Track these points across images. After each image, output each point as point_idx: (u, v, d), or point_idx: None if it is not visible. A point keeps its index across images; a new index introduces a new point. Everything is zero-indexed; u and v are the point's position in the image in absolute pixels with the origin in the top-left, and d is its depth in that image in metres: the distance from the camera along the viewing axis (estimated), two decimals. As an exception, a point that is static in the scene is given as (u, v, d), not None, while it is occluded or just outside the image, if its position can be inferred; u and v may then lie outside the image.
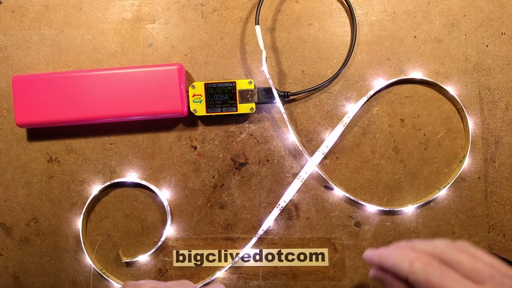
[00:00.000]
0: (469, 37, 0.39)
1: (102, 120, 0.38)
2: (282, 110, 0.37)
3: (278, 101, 0.37)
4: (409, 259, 0.24)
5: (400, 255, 0.24)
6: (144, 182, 0.39)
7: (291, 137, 0.39)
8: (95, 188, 0.39)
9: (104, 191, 0.40)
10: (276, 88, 0.38)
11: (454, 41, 0.39)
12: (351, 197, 0.38)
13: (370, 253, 0.28)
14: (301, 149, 0.38)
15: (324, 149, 0.39)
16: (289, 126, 0.37)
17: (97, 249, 0.40)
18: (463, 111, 0.38)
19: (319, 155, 0.39)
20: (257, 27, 0.37)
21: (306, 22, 0.40)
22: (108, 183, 0.39)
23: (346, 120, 0.39)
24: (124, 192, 0.40)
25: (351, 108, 0.39)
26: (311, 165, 0.38)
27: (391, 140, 0.39)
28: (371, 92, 0.39)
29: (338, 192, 0.39)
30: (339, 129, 0.39)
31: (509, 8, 0.39)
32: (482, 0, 0.39)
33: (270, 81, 0.37)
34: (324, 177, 0.38)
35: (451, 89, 0.38)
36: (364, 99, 0.39)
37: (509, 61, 0.39)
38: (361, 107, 0.39)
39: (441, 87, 0.38)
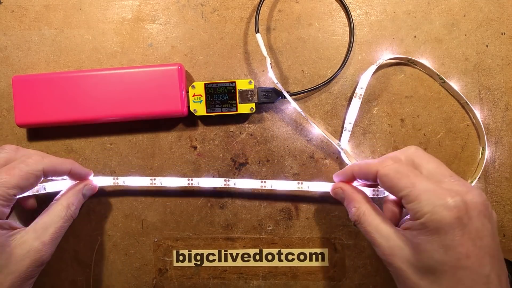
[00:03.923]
0: (469, 37, 0.39)
1: (102, 120, 0.38)
2: (299, 109, 0.37)
3: (292, 103, 0.37)
4: (380, 161, 0.30)
5: (372, 161, 0.30)
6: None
7: (316, 130, 0.38)
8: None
9: (104, 191, 0.40)
10: (277, 88, 0.38)
11: (454, 41, 0.39)
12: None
13: (344, 169, 0.34)
14: (329, 139, 0.37)
15: (348, 126, 0.38)
16: (310, 120, 0.37)
17: (97, 249, 0.40)
18: (468, 105, 0.38)
19: (346, 134, 0.38)
20: (258, 35, 0.37)
21: (306, 22, 0.40)
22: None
23: (360, 91, 0.38)
24: (124, 192, 0.40)
25: (363, 78, 0.38)
26: (344, 145, 0.38)
27: (391, 140, 0.39)
28: (380, 61, 0.38)
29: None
30: (356, 102, 0.38)
31: (509, 8, 0.39)
32: (482, 0, 0.39)
33: (280, 86, 0.36)
34: (347, 161, 0.38)
35: (454, 85, 0.38)
36: (373, 67, 0.38)
37: (509, 61, 0.39)
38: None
39: (444, 82, 0.38)
